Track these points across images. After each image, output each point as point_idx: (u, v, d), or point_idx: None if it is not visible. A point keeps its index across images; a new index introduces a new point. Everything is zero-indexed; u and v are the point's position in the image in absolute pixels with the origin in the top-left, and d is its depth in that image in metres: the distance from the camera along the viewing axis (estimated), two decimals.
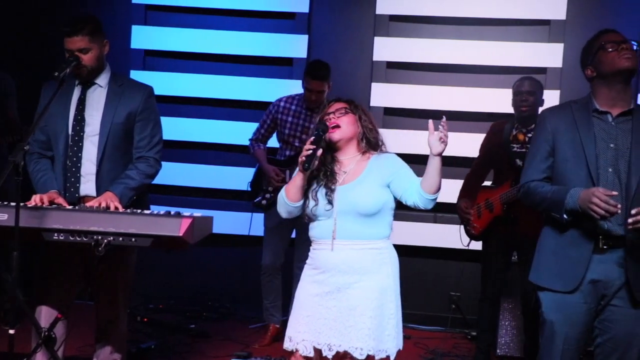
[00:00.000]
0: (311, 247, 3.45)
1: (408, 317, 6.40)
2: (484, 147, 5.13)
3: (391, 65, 6.55)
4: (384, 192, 3.36)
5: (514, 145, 4.87)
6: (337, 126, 3.37)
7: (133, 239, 3.27)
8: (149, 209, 3.86)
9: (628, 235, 3.14)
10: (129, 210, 3.49)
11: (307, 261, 3.45)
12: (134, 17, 6.80)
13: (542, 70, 6.26)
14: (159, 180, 4.12)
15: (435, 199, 3.32)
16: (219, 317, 6.31)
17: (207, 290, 6.63)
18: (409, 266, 6.51)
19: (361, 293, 3.28)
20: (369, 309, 3.26)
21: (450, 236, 5.80)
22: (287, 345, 3.39)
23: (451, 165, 6.25)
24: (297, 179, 3.32)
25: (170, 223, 3.26)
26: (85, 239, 3.26)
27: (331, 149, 3.41)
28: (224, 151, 6.72)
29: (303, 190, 3.35)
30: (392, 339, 3.32)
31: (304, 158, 3.22)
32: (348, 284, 3.28)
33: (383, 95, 6.52)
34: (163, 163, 3.99)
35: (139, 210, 3.49)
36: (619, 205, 3.02)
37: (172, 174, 6.54)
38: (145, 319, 5.93)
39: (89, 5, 6.54)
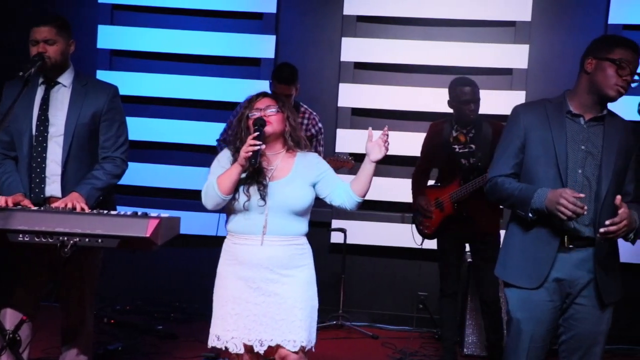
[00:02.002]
0: (229, 242, 3.48)
1: (376, 316, 6.47)
2: (426, 147, 5.16)
3: (359, 65, 6.57)
4: (311, 191, 3.47)
5: (456, 146, 4.91)
6: (268, 122, 3.41)
7: (99, 240, 3.24)
8: (115, 209, 3.84)
9: (597, 237, 3.17)
10: (95, 211, 3.47)
11: (225, 256, 3.48)
12: (100, 17, 6.75)
13: (508, 71, 6.32)
14: (125, 180, 4.10)
15: (362, 201, 3.48)
16: (186, 318, 6.29)
17: (175, 291, 6.60)
18: (376, 266, 6.57)
19: (290, 287, 3.36)
20: (299, 301, 3.35)
21: (417, 236, 5.84)
22: (215, 343, 3.42)
23: None
24: (234, 172, 3.32)
25: (137, 224, 3.24)
26: (50, 240, 3.23)
27: None
28: (191, 151, 6.70)
29: (236, 184, 3.35)
30: (314, 330, 3.44)
31: (250, 153, 3.24)
32: (275, 279, 3.35)
33: (350, 95, 6.54)
34: (130, 163, 3.98)
35: (105, 211, 3.47)
36: (586, 207, 3.04)
37: (139, 174, 6.50)
38: (112, 321, 5.89)
39: (54, 5, 6.48)
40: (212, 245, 6.42)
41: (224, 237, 5.83)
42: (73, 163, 3.72)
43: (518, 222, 3.33)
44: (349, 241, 6.34)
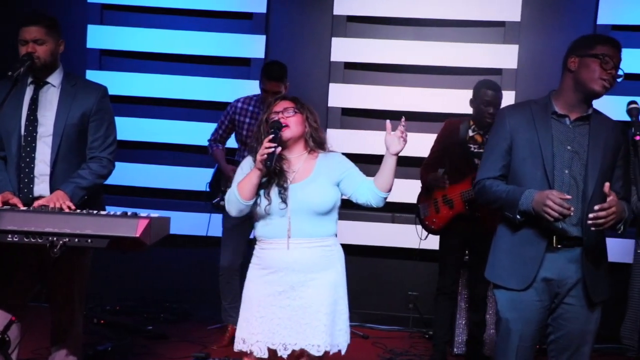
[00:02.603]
0: (258, 247, 3.46)
1: (366, 316, 6.46)
2: (440, 143, 5.21)
3: (349, 65, 6.58)
4: (335, 191, 3.43)
5: (471, 145, 4.96)
6: (286, 125, 3.39)
7: (89, 240, 3.23)
8: (104, 209, 3.83)
9: (585, 237, 3.19)
10: (84, 211, 3.46)
11: (254, 261, 3.47)
12: (89, 17, 6.73)
13: (498, 71, 6.34)
14: (115, 180, 4.10)
15: (387, 197, 3.43)
16: (176, 319, 6.27)
17: (165, 291, 6.59)
18: (367, 266, 6.57)
19: (315, 290, 3.33)
20: (324, 305, 3.32)
21: (408, 236, 5.84)
22: (241, 346, 3.40)
23: (407, 165, 6.30)
24: (253, 177, 3.32)
25: (126, 224, 3.23)
26: (40, 240, 3.22)
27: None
28: (181, 151, 6.69)
29: (257, 188, 3.35)
30: (344, 333, 3.41)
31: (265, 156, 3.23)
32: (302, 282, 3.33)
33: (341, 95, 6.55)
34: (120, 164, 3.97)
35: (94, 211, 3.46)
36: (572, 208, 3.05)
37: (130, 174, 6.49)
38: (102, 321, 5.86)
39: (43, 4, 6.45)
40: (202, 246, 6.47)
41: (214, 237, 5.89)
42: (62, 163, 3.71)
43: (507, 223, 3.34)
44: (339, 241, 6.33)
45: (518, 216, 3.19)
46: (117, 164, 3.95)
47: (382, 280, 6.59)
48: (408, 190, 5.97)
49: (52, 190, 3.67)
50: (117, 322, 5.95)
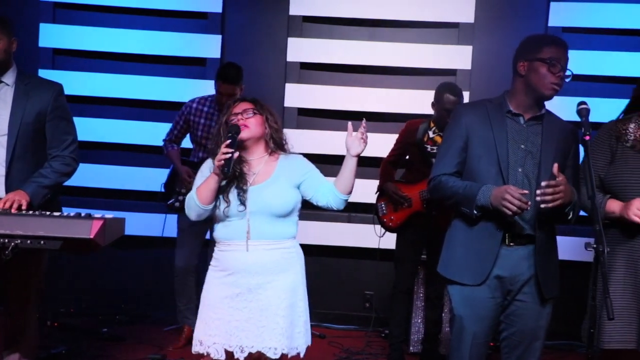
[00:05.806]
0: (217, 249, 3.44)
1: (322, 316, 6.48)
2: (400, 142, 5.28)
3: (305, 66, 6.59)
4: (295, 193, 3.42)
5: (428, 146, 5.01)
6: (245, 126, 3.38)
7: (42, 242, 3.20)
8: (61, 210, 3.79)
9: (536, 234, 3.24)
10: (37, 212, 3.42)
11: (213, 263, 3.45)
12: (41, 15, 6.65)
13: (452, 72, 6.40)
14: (70, 181, 4.05)
15: (348, 199, 3.43)
16: (132, 320, 6.23)
17: (120, 293, 6.53)
18: (323, 266, 6.59)
19: (273, 293, 3.32)
20: (281, 308, 3.32)
21: (364, 235, 5.88)
22: (198, 348, 3.38)
23: (363, 165, 6.32)
24: (211, 182, 3.29)
25: (80, 225, 3.21)
26: None
27: (238, 150, 3.41)
28: (136, 152, 6.63)
29: (216, 193, 3.32)
30: (302, 336, 3.42)
31: (222, 162, 3.20)
32: (259, 285, 3.32)
33: (297, 95, 6.56)
34: None
35: (47, 212, 3.42)
36: (530, 203, 3.11)
37: (83, 175, 6.33)
38: (56, 324, 5.79)
39: None
40: (158, 246, 6.43)
41: (170, 238, 5.86)
42: (17, 163, 3.67)
43: (462, 218, 3.37)
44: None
45: (475, 211, 3.23)
46: None
47: (338, 280, 6.61)
48: (364, 190, 5.99)
49: (8, 191, 3.62)
50: (72, 324, 5.89)
